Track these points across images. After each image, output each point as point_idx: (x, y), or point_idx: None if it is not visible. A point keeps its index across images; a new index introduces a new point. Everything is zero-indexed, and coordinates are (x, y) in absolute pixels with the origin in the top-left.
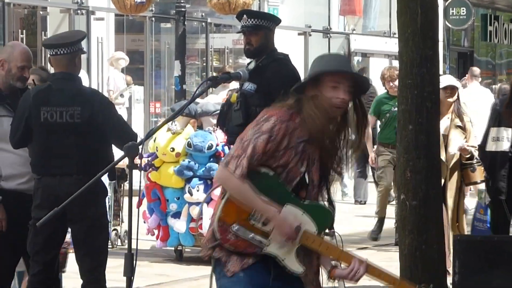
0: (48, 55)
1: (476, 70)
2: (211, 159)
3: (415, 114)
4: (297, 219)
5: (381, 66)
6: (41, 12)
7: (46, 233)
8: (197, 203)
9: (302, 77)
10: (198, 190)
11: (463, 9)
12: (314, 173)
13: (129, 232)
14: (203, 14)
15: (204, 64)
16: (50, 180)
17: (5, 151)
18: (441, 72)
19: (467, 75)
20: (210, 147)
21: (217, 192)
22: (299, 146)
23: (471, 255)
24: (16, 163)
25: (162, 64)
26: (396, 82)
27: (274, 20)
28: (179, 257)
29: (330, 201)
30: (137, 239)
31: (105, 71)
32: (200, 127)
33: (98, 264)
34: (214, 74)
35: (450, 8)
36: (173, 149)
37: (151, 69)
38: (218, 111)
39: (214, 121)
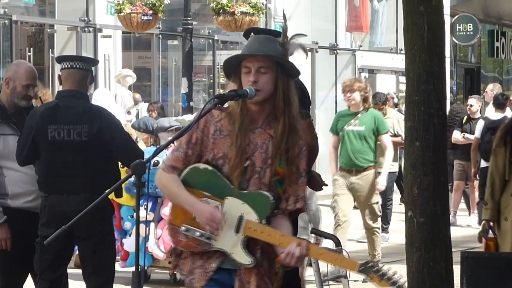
0: (59, 71)
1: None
2: None
3: (422, 131)
4: (214, 205)
5: (388, 82)
6: (48, 30)
7: (53, 251)
8: (146, 222)
9: (310, 93)
10: (145, 208)
11: (470, 25)
12: (256, 161)
13: (136, 250)
14: (210, 31)
15: (211, 81)
16: (58, 198)
17: (11, 170)
18: (448, 88)
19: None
20: (156, 164)
21: (167, 211)
22: (233, 137)
23: (479, 271)
24: (22, 181)
25: (169, 81)
26: (355, 94)
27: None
28: (144, 278)
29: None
30: (144, 256)
31: (112, 88)
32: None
33: (105, 281)
34: (221, 91)
35: (457, 24)
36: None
37: (158, 86)
38: (174, 127)
39: (170, 137)
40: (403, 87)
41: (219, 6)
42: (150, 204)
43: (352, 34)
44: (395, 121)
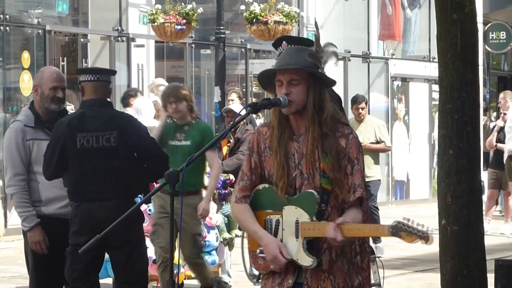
0: (81, 82)
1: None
2: None
3: (455, 139)
4: (278, 245)
5: (421, 90)
6: (81, 40)
7: (85, 260)
8: None
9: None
10: None
11: (503, 33)
12: (303, 169)
13: (170, 259)
14: (243, 40)
15: (244, 89)
16: (89, 205)
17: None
18: (481, 96)
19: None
20: None
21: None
22: (274, 152)
23: None
24: (55, 187)
25: (202, 90)
26: (181, 104)
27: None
28: None
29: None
30: (178, 266)
31: (145, 97)
32: None
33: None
34: (254, 100)
35: (490, 32)
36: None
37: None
38: None
39: None
40: (436, 95)
41: (252, 15)
42: None
43: (384, 43)
44: (375, 127)
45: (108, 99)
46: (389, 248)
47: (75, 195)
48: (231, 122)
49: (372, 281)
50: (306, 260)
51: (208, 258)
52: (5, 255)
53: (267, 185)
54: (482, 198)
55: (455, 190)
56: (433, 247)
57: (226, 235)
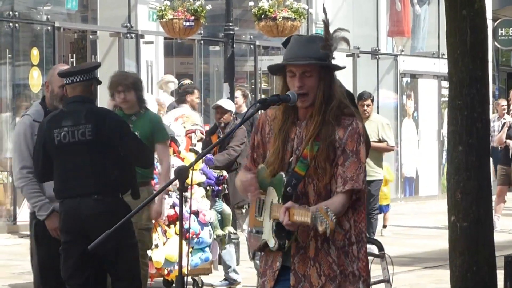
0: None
1: None
2: None
3: (465, 135)
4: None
5: (430, 87)
6: (91, 36)
7: (75, 257)
8: None
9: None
10: None
11: None
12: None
13: (179, 255)
14: (252, 36)
15: (253, 86)
16: (71, 202)
17: None
18: (490, 93)
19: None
20: None
21: None
22: (273, 137)
23: None
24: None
25: (211, 86)
26: (129, 92)
27: None
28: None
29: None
30: (188, 262)
31: (154, 94)
32: None
33: (128, 285)
34: (263, 96)
35: (499, 29)
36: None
37: (200, 92)
38: None
39: None
40: (445, 92)
41: (260, 11)
42: None
43: (393, 39)
44: (379, 125)
45: (93, 96)
46: (398, 245)
47: (59, 192)
48: (220, 118)
49: (381, 278)
50: (271, 242)
51: (201, 255)
52: (15, 251)
53: (260, 166)
54: (491, 194)
55: (465, 186)
56: (443, 244)
57: (219, 232)
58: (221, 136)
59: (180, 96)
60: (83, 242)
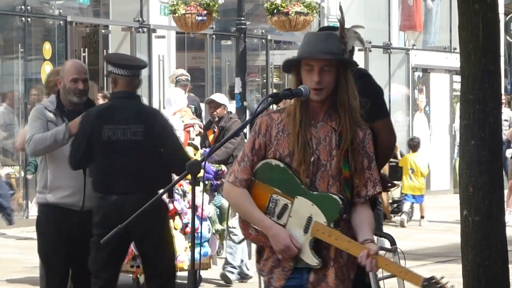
0: (111, 72)
1: None
2: None
3: (477, 130)
4: (288, 234)
5: (442, 81)
6: (102, 31)
7: (109, 250)
8: None
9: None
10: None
11: None
12: (321, 155)
13: (192, 250)
14: (263, 31)
15: (265, 80)
16: (114, 198)
17: (54, 162)
18: (502, 87)
19: None
20: None
21: None
22: (295, 134)
23: None
24: (63, 175)
25: (223, 81)
26: None
27: None
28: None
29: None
30: (200, 256)
31: (166, 88)
32: None
33: (167, 281)
34: (275, 90)
35: (511, 23)
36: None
37: (212, 86)
38: None
39: None
40: (456, 86)
41: (273, 6)
42: None
43: (405, 33)
44: None
45: (137, 92)
46: (410, 239)
47: (100, 186)
48: (213, 112)
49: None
50: (310, 259)
51: (200, 250)
52: (27, 245)
53: (282, 164)
54: (503, 189)
55: (477, 180)
56: (455, 238)
57: (218, 226)
58: (215, 130)
59: (230, 92)
60: (121, 237)
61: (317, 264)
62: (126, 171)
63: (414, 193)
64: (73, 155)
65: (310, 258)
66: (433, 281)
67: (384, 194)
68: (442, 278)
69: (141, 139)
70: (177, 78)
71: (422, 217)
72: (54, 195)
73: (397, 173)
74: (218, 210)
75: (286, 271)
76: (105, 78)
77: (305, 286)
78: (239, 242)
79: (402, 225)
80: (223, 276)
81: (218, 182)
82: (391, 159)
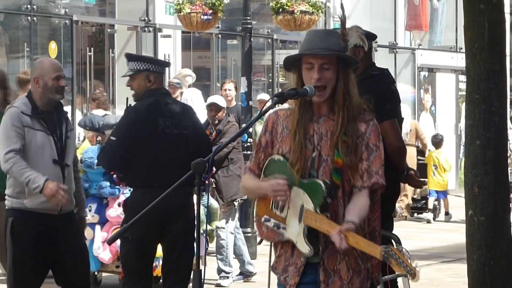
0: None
1: None
2: (105, 177)
3: (482, 129)
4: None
5: (447, 81)
6: (108, 30)
7: (140, 247)
8: (89, 224)
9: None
10: (90, 210)
11: None
12: (323, 150)
13: (197, 249)
14: (269, 30)
15: (270, 80)
16: (161, 192)
17: (34, 167)
18: (508, 87)
19: None
20: (89, 165)
21: (112, 213)
22: (292, 133)
23: None
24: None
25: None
26: None
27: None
28: (95, 283)
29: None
30: (205, 254)
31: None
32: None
33: (185, 278)
34: (280, 90)
35: None
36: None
37: (217, 85)
38: None
39: None
40: (462, 86)
41: (278, 5)
42: (94, 206)
43: (411, 33)
44: None
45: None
46: (416, 238)
47: (146, 180)
48: (215, 116)
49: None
50: (304, 247)
51: None
52: None
53: (282, 158)
54: (509, 188)
55: (482, 180)
56: (460, 238)
57: (208, 226)
58: (213, 132)
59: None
60: (154, 236)
61: (309, 251)
62: (172, 164)
63: (437, 189)
64: (112, 154)
65: (303, 247)
66: (392, 252)
67: (410, 191)
68: (401, 250)
69: (188, 133)
70: (168, 81)
71: (446, 213)
72: (33, 200)
73: (426, 171)
74: (206, 210)
75: (298, 268)
76: (110, 77)
77: (318, 281)
78: (259, 243)
79: (428, 222)
80: (219, 286)
81: (207, 182)
82: (419, 157)
